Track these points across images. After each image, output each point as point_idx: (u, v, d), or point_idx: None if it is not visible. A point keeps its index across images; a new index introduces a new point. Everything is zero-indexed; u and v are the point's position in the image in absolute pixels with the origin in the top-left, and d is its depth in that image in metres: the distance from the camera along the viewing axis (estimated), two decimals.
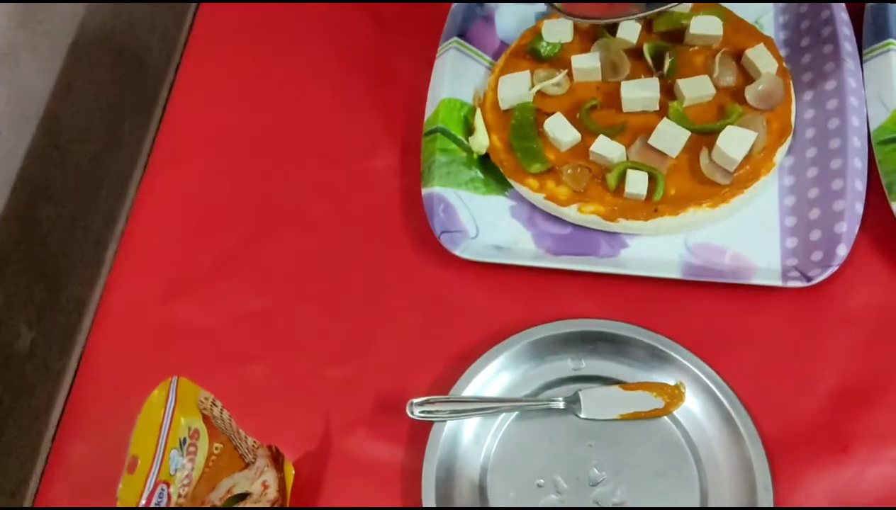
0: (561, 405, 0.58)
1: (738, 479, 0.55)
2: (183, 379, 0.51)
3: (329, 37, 0.79)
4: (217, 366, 0.63)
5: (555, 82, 0.69)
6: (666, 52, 0.68)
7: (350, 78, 0.77)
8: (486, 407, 0.58)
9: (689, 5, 0.70)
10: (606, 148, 0.64)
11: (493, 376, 0.59)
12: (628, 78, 0.68)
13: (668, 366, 0.59)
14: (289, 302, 0.66)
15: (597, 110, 0.68)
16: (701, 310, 0.62)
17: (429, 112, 0.70)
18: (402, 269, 0.66)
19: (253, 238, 0.69)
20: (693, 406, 0.58)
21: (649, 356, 0.59)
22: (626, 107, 0.67)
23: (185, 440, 0.51)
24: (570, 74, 0.69)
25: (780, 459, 0.56)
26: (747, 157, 0.63)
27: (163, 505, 0.49)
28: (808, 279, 0.60)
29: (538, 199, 0.66)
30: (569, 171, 0.65)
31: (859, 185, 0.62)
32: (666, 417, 0.58)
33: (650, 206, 0.63)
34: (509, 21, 0.76)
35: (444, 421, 0.57)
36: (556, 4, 0.64)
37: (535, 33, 0.72)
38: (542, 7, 0.76)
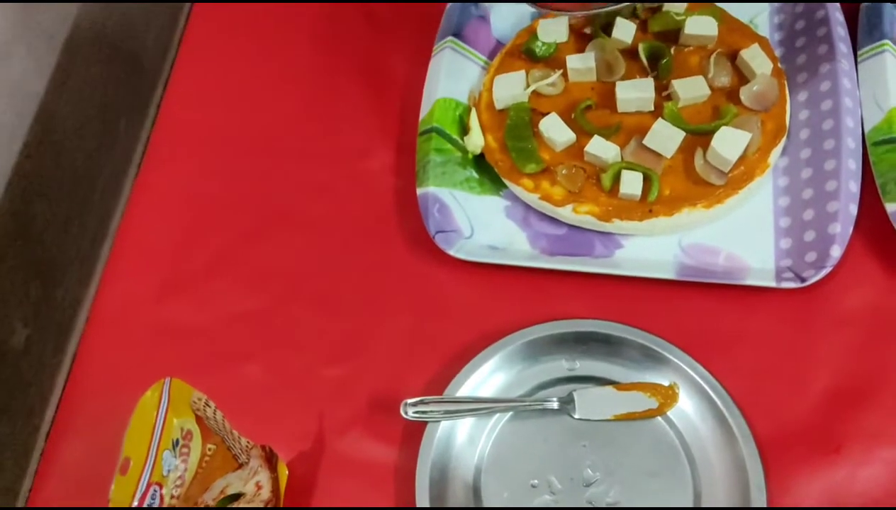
0: (555, 405, 0.58)
1: (731, 480, 0.55)
2: (176, 380, 0.51)
3: (324, 36, 0.79)
4: (211, 366, 0.63)
5: (550, 82, 0.69)
6: (661, 52, 0.68)
7: (345, 77, 0.77)
8: (481, 407, 0.58)
9: (684, 5, 0.70)
10: (601, 148, 0.64)
11: (487, 376, 0.59)
12: (623, 78, 0.68)
13: (662, 367, 0.59)
14: (283, 301, 0.66)
15: (592, 110, 0.68)
16: (695, 310, 0.62)
17: (424, 112, 0.70)
18: (396, 269, 0.66)
19: (247, 237, 0.69)
20: (687, 406, 0.58)
21: (643, 356, 0.59)
22: (621, 107, 0.67)
23: (177, 441, 0.51)
24: (565, 74, 0.69)
25: (773, 459, 0.56)
26: (742, 158, 0.63)
27: (155, 506, 0.49)
28: (802, 280, 0.60)
29: (533, 199, 0.66)
30: (563, 171, 0.65)
31: (853, 186, 0.62)
32: (660, 418, 0.58)
33: (645, 207, 0.63)
34: (505, 21, 0.76)
35: (438, 421, 0.57)
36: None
37: (531, 33, 0.72)
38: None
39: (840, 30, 0.68)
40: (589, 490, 0.56)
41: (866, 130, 0.64)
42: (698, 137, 0.64)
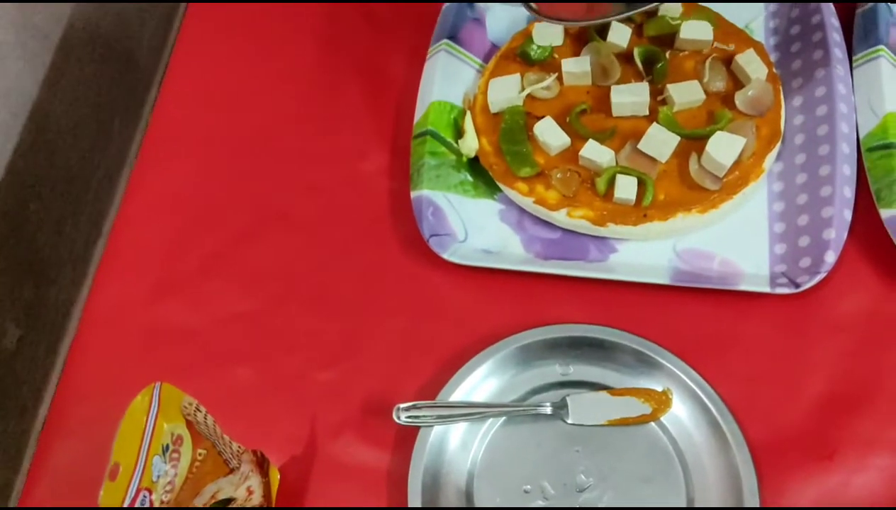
0: (548, 410, 0.58)
1: (724, 485, 0.55)
2: (166, 384, 0.51)
3: (319, 36, 0.79)
4: (203, 369, 0.63)
5: (545, 86, 0.68)
6: (656, 56, 0.68)
7: (340, 78, 0.76)
8: (474, 412, 0.58)
9: (680, 9, 0.70)
10: (596, 152, 0.64)
11: (480, 381, 0.59)
12: (618, 82, 0.68)
13: (656, 372, 0.59)
14: (276, 303, 0.66)
15: (587, 114, 0.68)
16: (689, 315, 0.62)
17: (418, 114, 0.69)
18: (390, 272, 0.66)
19: (241, 238, 0.69)
20: (680, 412, 0.58)
21: (637, 362, 0.59)
22: (616, 111, 0.67)
23: (167, 446, 0.50)
24: (560, 78, 0.69)
25: (766, 465, 0.56)
26: (736, 163, 0.63)
27: None
28: (797, 286, 0.60)
29: (527, 203, 0.66)
30: (558, 175, 0.65)
31: (848, 191, 0.62)
32: (653, 423, 0.58)
33: (639, 211, 0.63)
34: (500, 23, 0.76)
35: (431, 426, 0.57)
36: (531, 4, 0.64)
37: (526, 36, 0.71)
38: None
39: (835, 35, 0.68)
40: (582, 495, 0.56)
41: (861, 136, 0.64)
42: (693, 142, 0.64)
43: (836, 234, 0.60)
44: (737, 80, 0.67)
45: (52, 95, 0.75)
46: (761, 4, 0.74)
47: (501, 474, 0.57)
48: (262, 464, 0.54)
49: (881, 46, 0.66)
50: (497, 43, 0.75)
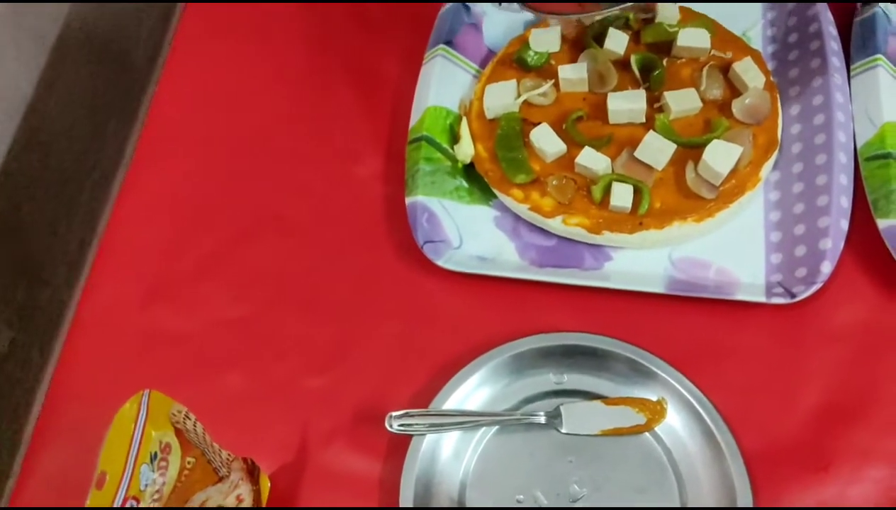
0: (542, 420, 0.58)
1: (719, 496, 0.55)
2: (155, 392, 0.50)
3: (316, 38, 0.79)
4: (195, 374, 0.62)
5: (541, 92, 0.68)
6: (653, 63, 0.68)
7: (337, 80, 0.76)
8: (466, 421, 0.58)
9: (677, 17, 0.70)
10: (592, 159, 0.64)
11: (473, 389, 0.59)
12: (615, 89, 0.68)
13: (651, 382, 0.58)
14: (269, 308, 0.65)
15: (583, 121, 0.67)
16: (684, 324, 0.62)
17: (414, 120, 0.69)
18: (383, 278, 0.66)
19: (233, 242, 0.68)
20: (675, 422, 0.57)
21: (631, 371, 0.59)
22: (613, 118, 0.66)
23: (156, 454, 0.50)
24: (556, 85, 0.69)
25: (761, 476, 0.55)
26: (733, 172, 0.63)
27: None
28: (792, 296, 0.59)
29: (523, 209, 0.65)
30: (554, 182, 0.64)
31: (845, 201, 0.61)
32: (647, 433, 0.57)
33: (635, 220, 0.63)
34: (497, 29, 0.75)
35: (424, 434, 0.57)
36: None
37: (523, 42, 0.71)
38: (529, 15, 0.76)
39: (833, 44, 0.68)
40: (575, 506, 0.56)
41: (858, 145, 0.64)
42: (690, 150, 0.64)
43: (833, 244, 0.59)
44: (734, 88, 0.67)
45: (47, 96, 0.74)
46: (759, 13, 0.74)
47: (494, 484, 0.57)
48: (252, 472, 0.53)
49: (879, 55, 0.66)
50: (494, 48, 0.74)
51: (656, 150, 0.63)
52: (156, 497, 0.50)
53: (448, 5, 0.75)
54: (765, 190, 0.65)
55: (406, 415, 0.56)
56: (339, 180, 0.70)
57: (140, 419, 0.49)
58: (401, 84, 0.74)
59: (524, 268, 0.64)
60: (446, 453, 0.57)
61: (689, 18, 0.70)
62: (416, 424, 0.56)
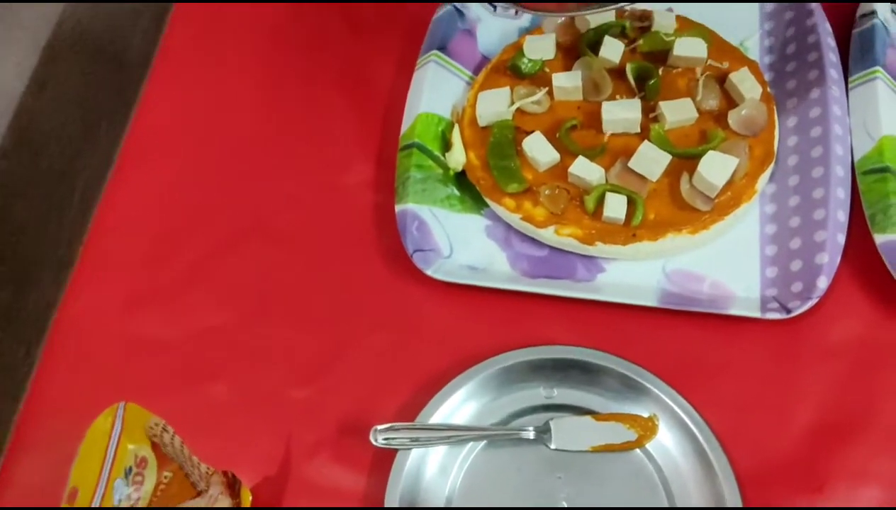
0: (531, 435, 0.56)
1: None
2: (131, 404, 0.49)
3: (307, 42, 0.77)
4: (176, 384, 0.61)
5: (535, 100, 0.67)
6: (649, 72, 0.67)
7: (328, 85, 0.75)
8: (453, 435, 0.56)
9: (674, 26, 0.69)
10: (585, 169, 0.63)
11: (461, 403, 0.57)
12: (610, 98, 0.67)
13: (643, 397, 0.57)
14: (253, 317, 0.64)
15: (577, 130, 0.66)
16: (677, 338, 0.61)
17: (405, 126, 0.68)
18: (372, 288, 0.64)
19: (219, 249, 0.67)
20: (666, 439, 0.56)
21: (623, 386, 0.57)
22: (607, 128, 0.65)
23: (130, 469, 0.48)
24: (550, 92, 0.68)
25: (754, 496, 0.54)
26: (729, 184, 0.62)
27: None
28: (788, 311, 0.58)
29: (514, 219, 0.64)
30: (546, 191, 0.63)
31: (842, 215, 0.60)
32: (638, 450, 0.56)
33: (629, 231, 0.62)
34: (491, 35, 0.74)
35: (409, 449, 0.55)
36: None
37: (517, 49, 0.70)
38: (524, 22, 0.75)
39: (831, 55, 0.67)
40: None
41: (856, 159, 0.63)
42: (685, 161, 0.63)
43: (829, 259, 0.58)
44: (730, 99, 0.66)
45: (38, 96, 0.74)
46: (757, 23, 0.73)
47: (481, 500, 0.55)
48: (232, 486, 0.52)
49: (878, 68, 0.65)
50: (488, 55, 0.73)
51: (651, 161, 0.62)
52: None
53: (442, 11, 0.74)
54: (761, 202, 0.64)
55: (391, 428, 0.55)
56: (327, 187, 0.69)
57: (115, 432, 0.47)
58: (393, 90, 0.73)
59: (515, 279, 0.63)
60: (432, 468, 0.56)
61: (686, 27, 0.70)
62: (402, 438, 0.55)
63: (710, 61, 0.68)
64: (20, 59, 0.72)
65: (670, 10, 0.71)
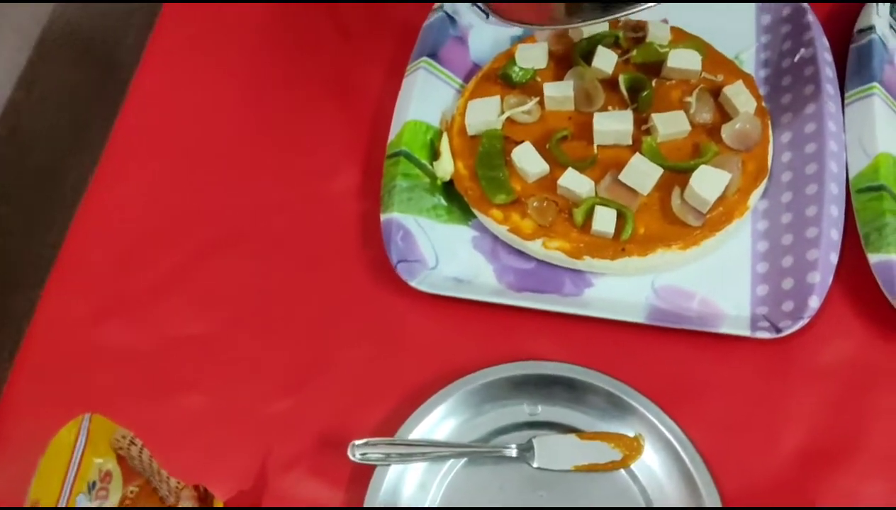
0: (513, 453, 0.55)
1: None
2: (97, 416, 0.47)
3: (295, 47, 0.76)
4: (149, 395, 0.59)
5: (525, 110, 0.66)
6: (642, 84, 0.65)
7: (314, 90, 0.73)
8: (434, 452, 0.55)
9: (669, 37, 0.68)
10: (575, 181, 0.62)
11: (442, 418, 0.56)
12: (602, 109, 0.66)
13: (628, 416, 0.56)
14: (230, 327, 0.62)
15: (567, 141, 0.65)
16: (665, 356, 0.59)
17: (393, 133, 0.67)
18: (354, 299, 0.63)
19: (196, 256, 0.66)
20: (651, 460, 0.55)
21: (609, 404, 0.56)
22: (598, 139, 0.64)
23: (94, 483, 0.47)
24: (541, 102, 0.66)
25: None
26: (721, 199, 0.61)
27: None
28: (778, 330, 0.57)
29: (502, 231, 0.63)
30: (535, 203, 0.62)
31: (835, 234, 0.59)
32: (623, 471, 0.55)
33: (617, 245, 0.61)
34: (483, 44, 0.73)
35: (388, 465, 0.54)
36: (480, 5, 0.60)
37: (509, 58, 0.69)
38: (517, 30, 0.74)
39: (828, 70, 0.66)
40: None
41: (851, 176, 0.62)
42: (676, 175, 0.62)
43: (821, 278, 0.57)
44: (724, 113, 0.65)
45: (27, 96, 0.73)
46: (753, 36, 0.72)
47: None
48: (204, 499, 0.50)
49: (875, 84, 0.64)
50: (479, 63, 0.72)
51: (642, 174, 0.61)
52: None
53: (434, 17, 0.72)
54: (753, 219, 0.63)
55: (369, 443, 0.54)
56: (311, 194, 0.68)
57: (79, 445, 0.46)
58: (382, 96, 0.71)
59: (501, 293, 0.62)
60: (411, 485, 0.55)
61: (681, 39, 0.69)
62: (381, 454, 0.54)
63: (704, 74, 0.67)
64: (9, 58, 0.71)
65: (665, 21, 0.70)
